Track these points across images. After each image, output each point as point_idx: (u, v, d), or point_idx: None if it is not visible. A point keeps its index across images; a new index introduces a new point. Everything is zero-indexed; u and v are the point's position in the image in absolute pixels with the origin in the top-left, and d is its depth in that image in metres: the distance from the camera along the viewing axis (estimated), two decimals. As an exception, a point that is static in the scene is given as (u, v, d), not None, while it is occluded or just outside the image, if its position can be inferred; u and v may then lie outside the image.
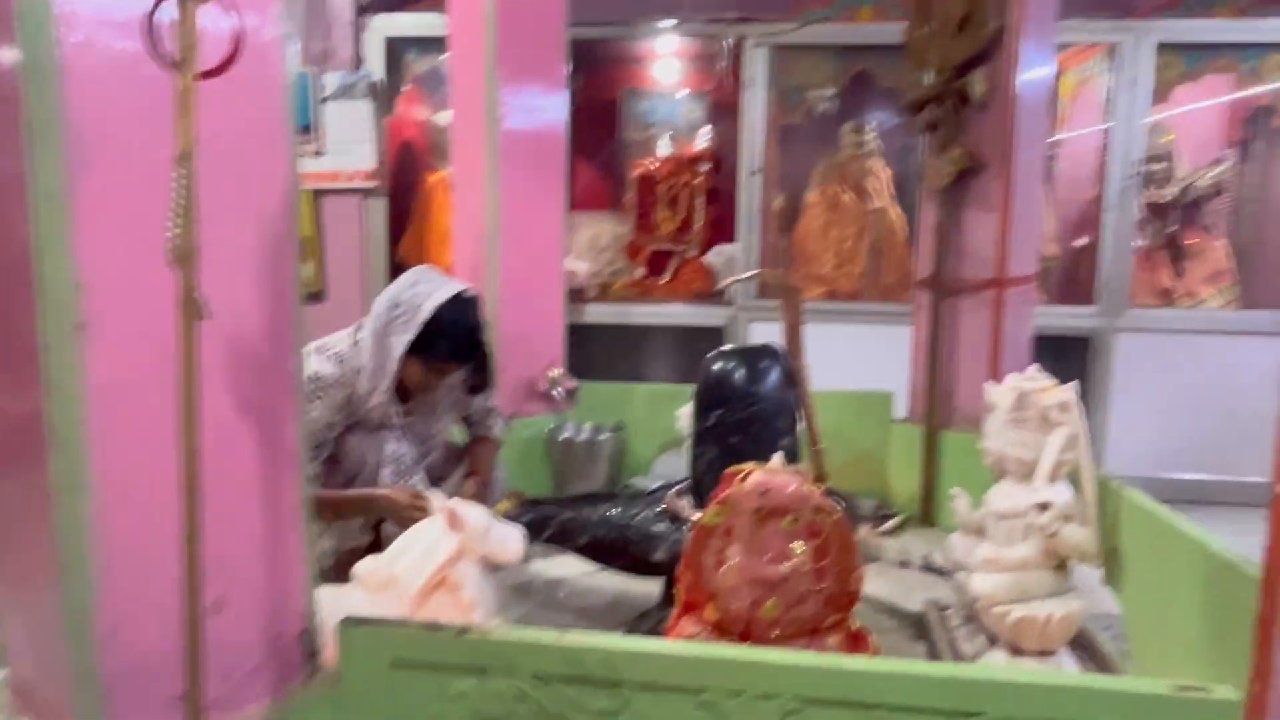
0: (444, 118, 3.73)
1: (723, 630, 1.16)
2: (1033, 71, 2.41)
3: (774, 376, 1.80)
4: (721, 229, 4.47)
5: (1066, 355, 3.81)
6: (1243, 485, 3.81)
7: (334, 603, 1.43)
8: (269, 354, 1.08)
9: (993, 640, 1.76)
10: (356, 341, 2.01)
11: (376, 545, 2.00)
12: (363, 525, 2.09)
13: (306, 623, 1.17)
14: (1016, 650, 1.71)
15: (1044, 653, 1.71)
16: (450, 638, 1.10)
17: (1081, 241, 4.12)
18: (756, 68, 3.89)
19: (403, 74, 4.20)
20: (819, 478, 1.92)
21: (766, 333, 3.73)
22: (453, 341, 1.96)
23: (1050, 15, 2.44)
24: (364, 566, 1.54)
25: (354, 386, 1.97)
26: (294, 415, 1.13)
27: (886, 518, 2.60)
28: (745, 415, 1.78)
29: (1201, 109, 4.14)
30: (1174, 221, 4.14)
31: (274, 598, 1.14)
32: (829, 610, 1.16)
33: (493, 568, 1.67)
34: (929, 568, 2.34)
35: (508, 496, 2.37)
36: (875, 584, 2.24)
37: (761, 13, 3.64)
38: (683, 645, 1.02)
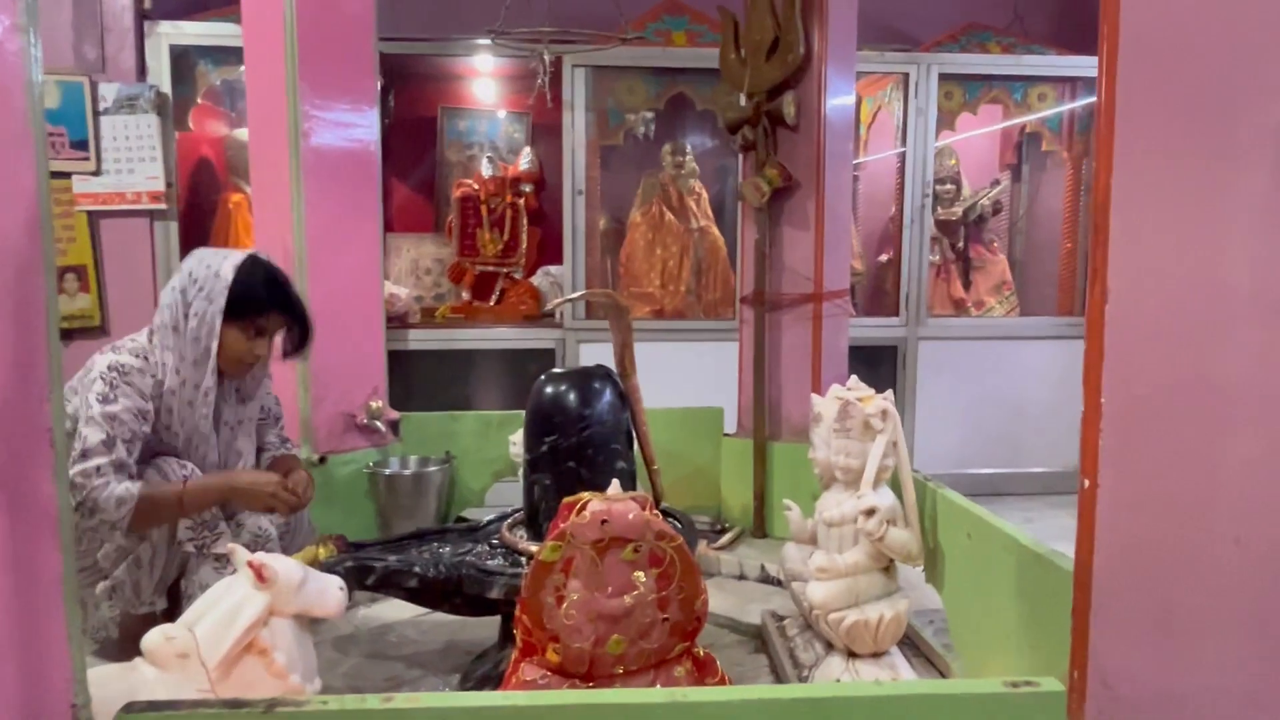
0: (245, 134, 3.46)
1: (565, 672, 1.09)
2: (837, 96, 2.54)
3: (607, 398, 1.76)
4: (547, 250, 4.43)
5: (876, 364, 4.05)
6: (1029, 475, 4.20)
7: (116, 684, 1.24)
8: (14, 400, 0.91)
9: (829, 646, 1.81)
10: (150, 340, 1.86)
11: (173, 613, 1.78)
12: (156, 587, 1.85)
13: (76, 716, 0.99)
14: (852, 654, 1.76)
15: (877, 654, 1.77)
16: (257, 715, 0.96)
17: (884, 257, 4.41)
18: (576, 89, 3.89)
19: (195, 86, 3.86)
20: (656, 499, 1.90)
21: (596, 354, 3.71)
22: (268, 290, 1.88)
23: (850, 44, 2.59)
24: (153, 637, 1.35)
25: (161, 379, 1.82)
26: (51, 471, 0.95)
27: (721, 532, 2.63)
28: (579, 440, 1.73)
29: (980, 135, 4.56)
30: (961, 237, 4.52)
31: (30, 689, 0.95)
32: (675, 639, 1.12)
33: (310, 623, 1.51)
34: (765, 579, 2.38)
35: (322, 542, 2.19)
36: (714, 599, 2.22)
37: (577, 33, 3.65)
38: (523, 696, 0.94)
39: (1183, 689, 0.95)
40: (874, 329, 4.08)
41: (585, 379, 1.77)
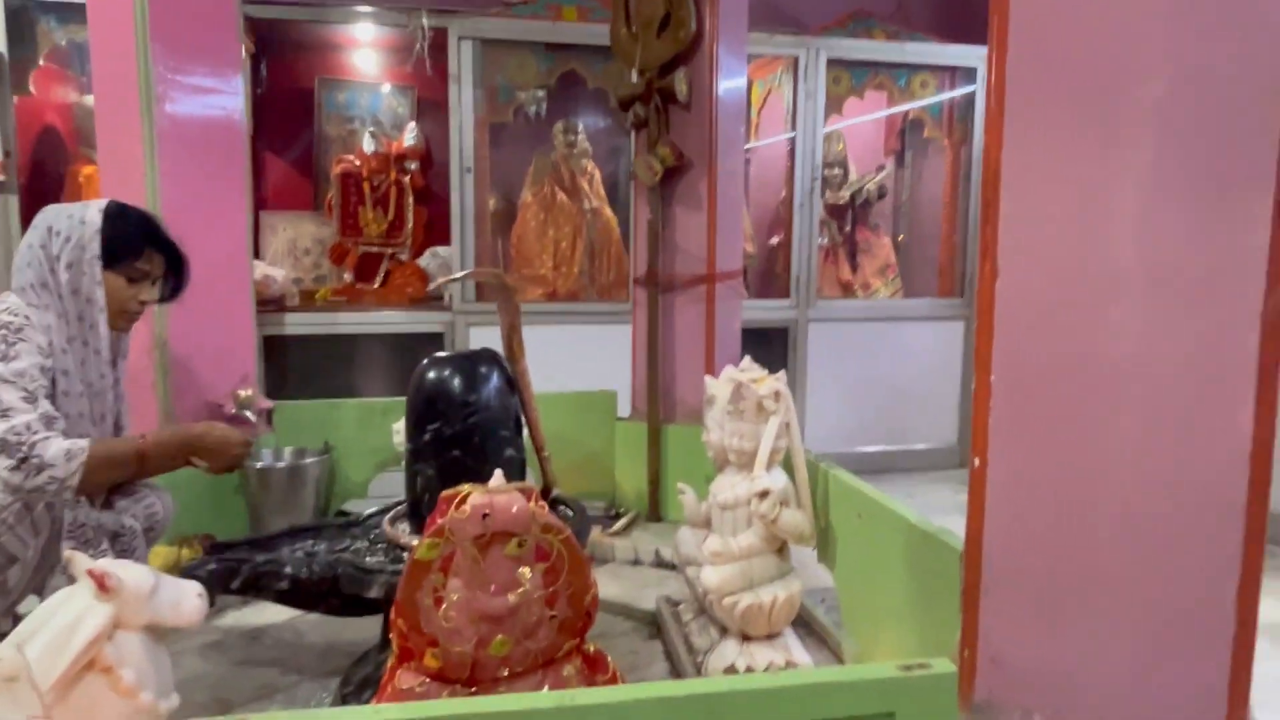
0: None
1: (446, 678, 1.02)
2: (729, 75, 2.52)
3: (494, 383, 1.68)
4: (435, 230, 4.27)
5: (767, 345, 4.10)
6: (912, 453, 4.35)
7: (-75, 718, 1.09)
8: None
9: (724, 630, 1.79)
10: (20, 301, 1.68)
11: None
12: (7, 610, 1.65)
13: None
14: (746, 637, 1.75)
15: (771, 636, 1.76)
16: (89, 746, 0.85)
17: (775, 240, 4.46)
18: (463, 62, 3.74)
19: (36, 46, 3.51)
20: (546, 486, 1.83)
21: (487, 337, 3.60)
22: (142, 230, 1.77)
23: (741, 23, 2.56)
24: (-26, 660, 1.19)
25: (50, 340, 1.66)
26: None
27: (616, 517, 2.59)
28: (465, 427, 1.64)
29: (867, 120, 4.66)
30: (849, 221, 4.62)
31: None
32: (564, 637, 1.06)
33: (167, 633, 1.38)
34: (660, 564, 2.35)
35: (186, 542, 2.03)
36: (609, 586, 2.21)
37: (464, 5, 3.50)
38: (397, 708, 0.87)
39: (1068, 665, 0.96)
40: (765, 311, 4.12)
41: (470, 363, 1.69)
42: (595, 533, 2.46)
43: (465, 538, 1.01)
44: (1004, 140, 0.97)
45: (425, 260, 4.24)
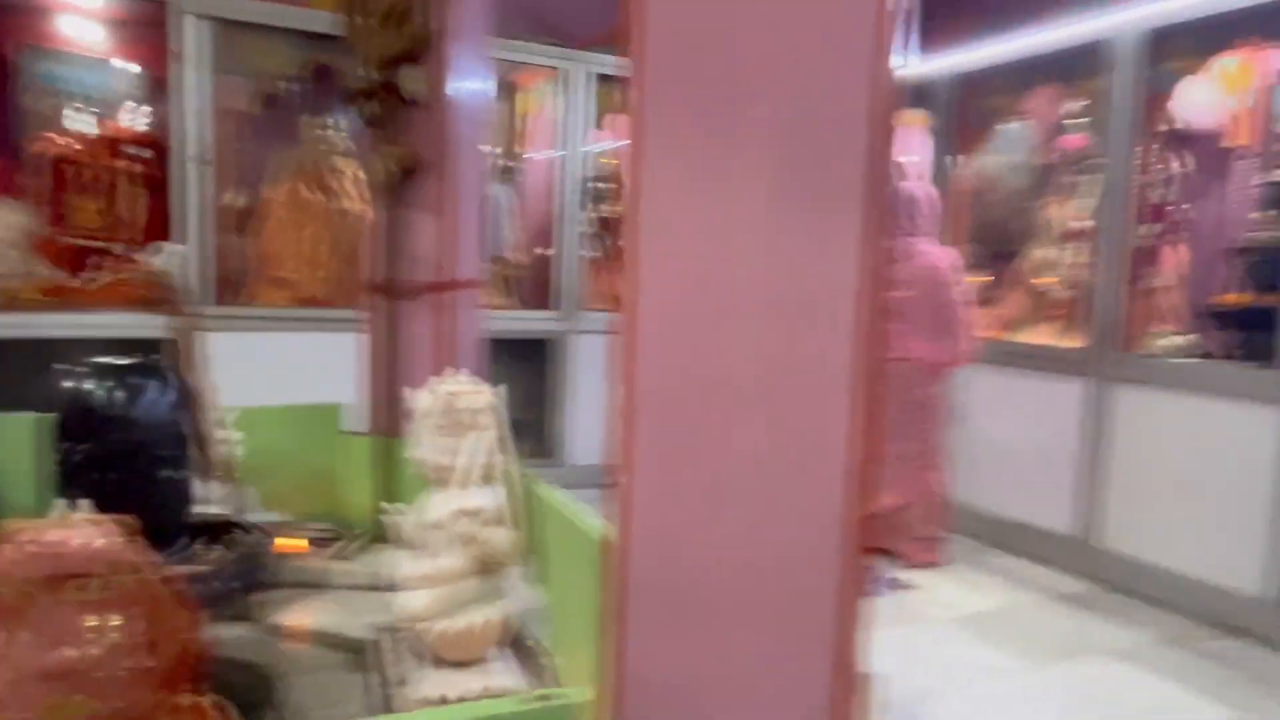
0: None
1: (6, 748, 0.86)
2: (468, 76, 2.43)
3: (157, 396, 1.50)
4: (175, 225, 3.87)
5: (534, 357, 4.05)
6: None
7: None
8: None
9: (431, 658, 1.69)
10: None
11: None
12: None
13: None
14: (453, 664, 1.66)
15: (478, 662, 1.68)
16: None
17: (543, 251, 4.42)
18: (194, 41, 3.41)
19: None
20: (237, 508, 1.66)
21: (230, 343, 3.28)
22: None
23: (482, 23, 2.49)
24: None
25: None
26: None
27: (336, 539, 2.41)
28: (121, 447, 1.44)
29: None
30: (620, 235, 4.68)
31: None
32: (165, 690, 0.93)
33: None
34: (379, 588, 2.21)
35: None
36: (324, 613, 2.05)
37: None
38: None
39: (702, 680, 0.95)
40: (532, 322, 4.07)
41: (130, 373, 1.49)
42: (320, 557, 2.28)
43: (13, 581, 0.85)
44: (644, 154, 0.96)
45: (159, 258, 3.82)
